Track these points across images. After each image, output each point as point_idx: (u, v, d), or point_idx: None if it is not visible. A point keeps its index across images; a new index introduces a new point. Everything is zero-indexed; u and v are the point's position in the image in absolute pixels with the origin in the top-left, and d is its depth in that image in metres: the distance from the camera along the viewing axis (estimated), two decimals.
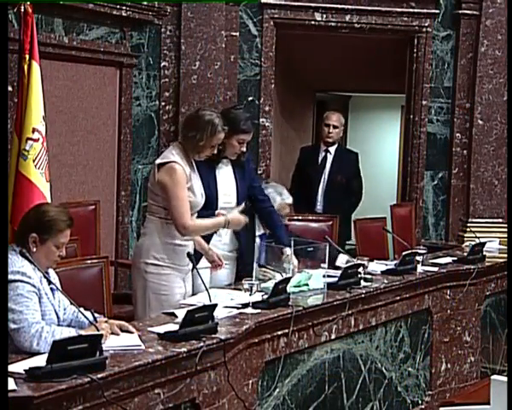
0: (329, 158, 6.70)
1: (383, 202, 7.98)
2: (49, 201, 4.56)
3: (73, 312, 3.41)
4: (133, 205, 6.51)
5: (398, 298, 4.76)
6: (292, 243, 4.32)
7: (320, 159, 6.71)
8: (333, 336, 4.27)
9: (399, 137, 10.60)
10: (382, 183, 11.10)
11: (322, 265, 4.31)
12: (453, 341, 5.28)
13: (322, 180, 6.66)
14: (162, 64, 6.53)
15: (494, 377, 3.85)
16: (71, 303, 3.32)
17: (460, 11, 7.18)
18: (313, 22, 7.03)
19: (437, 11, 7.21)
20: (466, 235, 7.02)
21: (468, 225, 7.04)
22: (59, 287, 3.36)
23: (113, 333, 3.25)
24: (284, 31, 7.05)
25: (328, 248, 4.30)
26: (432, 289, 5.08)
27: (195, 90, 6.49)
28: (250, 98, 6.90)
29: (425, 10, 7.18)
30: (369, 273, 4.70)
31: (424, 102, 7.28)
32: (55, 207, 3.46)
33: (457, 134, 7.30)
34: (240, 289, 4.08)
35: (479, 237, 5.98)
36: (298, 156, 6.99)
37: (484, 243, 5.71)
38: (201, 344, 3.25)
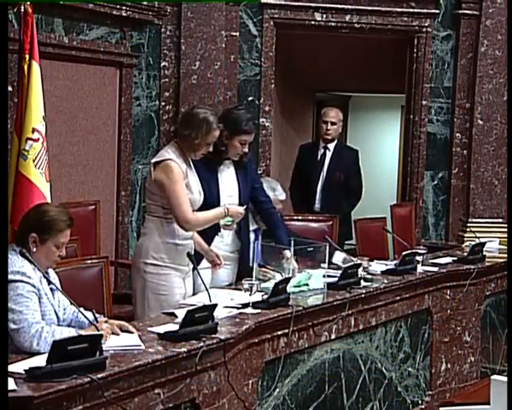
0: (328, 155, 6.60)
1: (383, 202, 7.98)
2: (49, 201, 4.56)
3: (73, 312, 3.41)
4: (133, 205, 6.51)
5: (398, 298, 4.76)
6: (292, 243, 4.32)
7: (319, 156, 6.62)
8: (333, 336, 4.27)
9: (399, 137, 10.60)
10: (382, 183, 11.10)
11: (322, 265, 4.31)
12: (453, 341, 5.28)
13: (320, 178, 6.57)
14: (162, 64, 6.53)
15: (494, 377, 3.85)
16: (71, 303, 3.32)
17: (460, 11, 7.18)
18: (313, 22, 7.04)
19: (437, 11, 7.21)
20: (466, 235, 7.02)
21: (468, 225, 7.04)
22: (59, 287, 3.36)
23: (113, 333, 3.25)
24: (284, 31, 7.05)
25: (328, 248, 4.30)
26: (432, 289, 5.08)
27: (195, 90, 6.49)
28: (250, 98, 6.90)
29: (425, 10, 7.19)
30: (369, 273, 4.70)
31: (424, 102, 7.28)
32: (55, 207, 3.46)
33: (457, 134, 7.30)
34: (240, 289, 4.08)
35: (479, 237, 5.98)
36: (297, 154, 6.91)
37: (484, 243, 5.71)
38: (201, 344, 3.25)
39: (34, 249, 3.29)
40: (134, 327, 3.39)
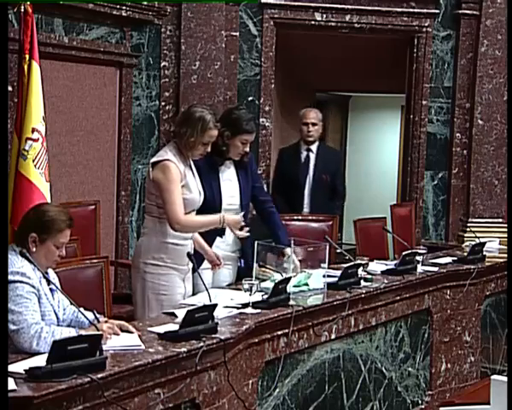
0: (312, 156, 6.47)
1: (383, 202, 7.98)
2: (49, 201, 4.56)
3: (73, 312, 3.41)
4: (133, 205, 6.51)
5: (398, 298, 4.76)
6: (292, 242, 4.32)
7: (303, 158, 6.49)
8: (333, 336, 4.27)
9: (399, 137, 10.61)
10: (382, 183, 11.12)
11: (322, 265, 4.32)
12: (453, 341, 5.28)
13: (307, 181, 6.45)
14: (162, 64, 6.53)
15: (494, 377, 3.85)
16: (71, 303, 3.32)
17: (460, 11, 7.18)
18: (313, 22, 7.03)
19: (437, 11, 7.21)
20: (466, 235, 7.02)
21: (468, 225, 7.04)
22: (58, 287, 3.35)
23: (113, 333, 3.24)
24: (284, 31, 7.05)
25: (328, 248, 4.30)
26: (432, 289, 5.08)
27: (195, 90, 6.49)
28: (250, 98, 6.90)
29: (425, 10, 7.19)
30: (369, 273, 4.70)
31: (424, 102, 7.28)
32: (54, 207, 3.46)
33: (457, 134, 7.30)
34: (240, 289, 4.08)
35: (479, 237, 5.99)
36: (277, 158, 6.75)
37: (484, 243, 5.71)
38: (201, 344, 3.25)
39: (34, 249, 3.29)
40: (134, 327, 3.39)
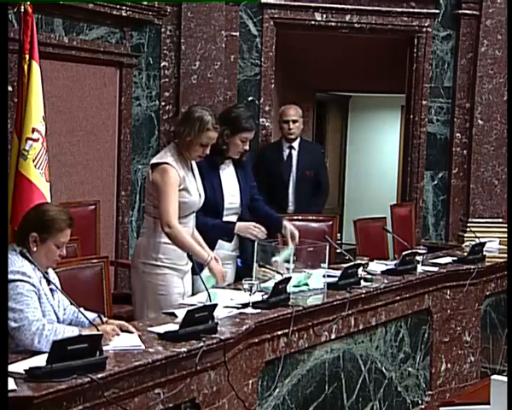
0: (295, 154, 6.45)
1: (383, 202, 7.99)
2: (49, 201, 4.56)
3: (73, 312, 3.41)
4: (133, 205, 6.51)
5: (398, 298, 4.77)
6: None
7: (285, 156, 6.46)
8: (333, 336, 4.27)
9: (399, 137, 10.61)
10: (382, 183, 11.12)
11: (322, 265, 4.32)
12: (453, 341, 5.28)
13: (291, 178, 6.42)
14: (162, 64, 6.53)
15: (494, 377, 3.85)
16: (71, 303, 3.32)
17: (460, 11, 7.18)
18: (313, 22, 7.03)
19: (437, 11, 7.21)
20: (466, 235, 7.02)
21: (468, 225, 7.04)
22: (58, 287, 3.36)
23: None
24: (284, 31, 7.04)
25: (328, 248, 4.30)
26: (432, 289, 5.08)
27: (195, 90, 6.49)
28: (250, 98, 6.90)
29: (425, 10, 7.18)
30: (369, 273, 4.70)
31: (424, 102, 7.28)
32: (55, 207, 3.47)
33: (457, 134, 7.30)
34: (240, 289, 4.08)
35: (479, 237, 5.98)
36: (257, 156, 6.57)
37: (484, 243, 5.71)
38: (201, 344, 3.25)
39: (34, 249, 3.29)
40: (134, 327, 3.39)
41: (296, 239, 4.54)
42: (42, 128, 4.61)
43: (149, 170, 4.17)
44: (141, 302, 4.20)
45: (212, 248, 4.42)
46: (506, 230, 6.83)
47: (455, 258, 5.56)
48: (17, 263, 3.21)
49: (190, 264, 4.19)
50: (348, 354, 4.43)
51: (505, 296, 5.61)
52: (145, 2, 6.26)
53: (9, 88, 5.04)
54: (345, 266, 4.58)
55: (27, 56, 4.59)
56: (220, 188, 4.56)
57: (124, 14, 6.10)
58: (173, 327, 3.38)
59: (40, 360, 2.84)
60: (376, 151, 11.64)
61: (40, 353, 3.01)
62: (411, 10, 7.16)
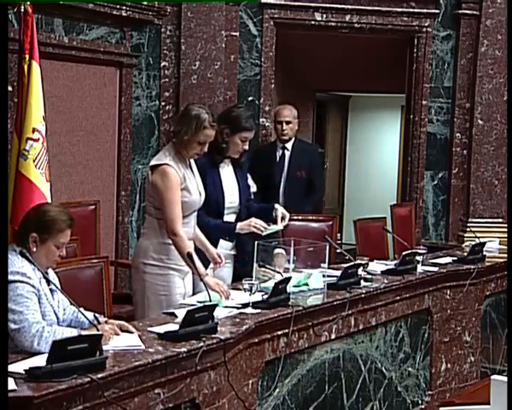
0: (287, 155, 6.41)
1: (383, 202, 7.99)
2: (49, 201, 4.56)
3: (73, 312, 3.41)
4: (133, 205, 6.51)
5: (398, 298, 4.77)
6: (292, 243, 4.32)
7: (278, 157, 6.42)
8: (333, 336, 4.27)
9: (399, 137, 10.61)
10: (382, 183, 11.12)
11: (322, 265, 4.32)
12: (453, 341, 5.28)
13: (282, 179, 6.37)
14: (162, 64, 6.53)
15: (494, 377, 3.85)
16: (71, 303, 3.32)
17: (460, 11, 7.18)
18: (313, 22, 7.03)
19: (437, 11, 7.21)
20: (466, 235, 7.02)
21: (468, 225, 7.04)
22: (58, 287, 3.35)
23: (114, 333, 3.24)
24: (284, 31, 7.05)
25: (328, 248, 4.30)
26: (432, 289, 5.08)
27: (195, 90, 6.49)
28: (250, 98, 6.90)
29: (425, 10, 7.18)
30: (369, 273, 4.70)
31: (424, 102, 7.28)
32: (55, 207, 3.46)
33: (457, 134, 7.30)
34: (240, 289, 4.08)
35: (479, 237, 5.98)
36: (251, 156, 6.46)
37: (484, 243, 5.71)
38: (201, 344, 3.25)
39: (34, 249, 3.29)
40: (134, 327, 3.39)
41: (286, 220, 4.54)
42: (42, 128, 4.61)
43: (149, 171, 4.18)
44: (141, 303, 4.20)
45: (214, 247, 4.43)
46: (506, 230, 6.83)
47: (455, 258, 5.56)
48: (17, 264, 3.21)
49: None
50: (348, 354, 4.43)
51: (505, 296, 5.61)
52: (145, 2, 6.26)
53: (9, 88, 5.05)
54: (345, 266, 4.58)
55: (27, 56, 4.59)
56: (221, 186, 4.57)
57: (124, 14, 6.10)
58: (173, 327, 3.38)
59: (40, 360, 2.84)
60: (376, 151, 11.64)
61: (40, 353, 3.02)
62: (411, 10, 7.16)
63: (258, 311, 3.81)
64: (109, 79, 6.26)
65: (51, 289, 3.35)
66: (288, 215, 4.58)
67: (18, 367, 2.83)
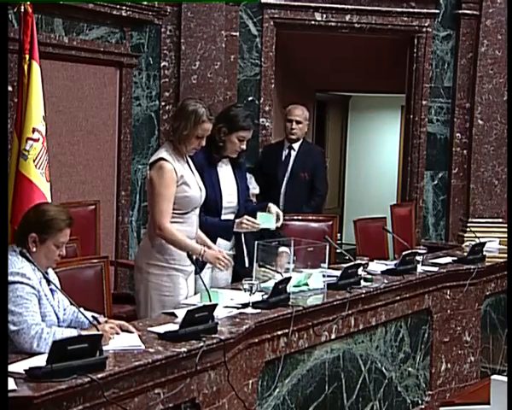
0: (293, 155, 6.37)
1: (383, 202, 7.99)
2: (49, 201, 4.56)
3: (73, 312, 3.41)
4: (133, 205, 6.51)
5: (398, 298, 4.76)
6: (292, 243, 4.32)
7: (284, 156, 6.38)
8: (333, 336, 4.27)
9: (399, 137, 10.61)
10: (382, 183, 11.13)
11: (322, 265, 4.31)
12: (453, 341, 5.28)
13: (284, 179, 6.33)
14: (162, 64, 6.53)
15: (494, 377, 3.85)
16: (71, 303, 3.32)
17: (460, 11, 7.18)
18: (313, 22, 7.04)
19: (437, 11, 7.21)
20: (466, 235, 7.02)
21: (468, 225, 7.04)
22: (58, 287, 3.35)
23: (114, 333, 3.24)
24: (284, 31, 7.05)
25: (328, 248, 4.30)
26: (432, 289, 5.08)
27: (195, 90, 6.49)
28: (250, 98, 6.90)
29: (425, 10, 7.19)
30: (369, 273, 4.70)
31: (424, 102, 7.28)
32: (54, 207, 3.46)
33: (457, 134, 7.30)
34: (240, 289, 4.08)
35: (479, 237, 5.98)
36: (260, 155, 6.69)
37: (484, 243, 5.71)
38: (201, 344, 3.25)
39: (34, 249, 3.28)
40: (134, 327, 3.39)
41: (281, 220, 4.54)
42: (42, 128, 4.61)
43: (148, 170, 4.20)
44: (144, 303, 4.20)
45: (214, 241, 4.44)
46: (506, 230, 6.84)
47: (455, 258, 5.56)
48: (17, 264, 3.21)
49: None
50: (348, 354, 4.43)
51: (505, 296, 5.61)
52: (145, 2, 6.26)
53: (9, 88, 5.05)
54: (345, 266, 4.58)
55: (27, 56, 4.58)
56: (218, 185, 4.56)
57: (124, 14, 6.10)
58: (173, 327, 3.38)
59: (40, 360, 2.84)
60: (376, 151, 11.65)
61: (40, 353, 3.01)
62: (411, 10, 7.16)
63: (258, 311, 3.81)
64: (109, 79, 6.26)
65: (51, 290, 3.35)
66: (281, 214, 4.57)
67: (18, 367, 2.83)
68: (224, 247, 4.56)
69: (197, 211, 4.27)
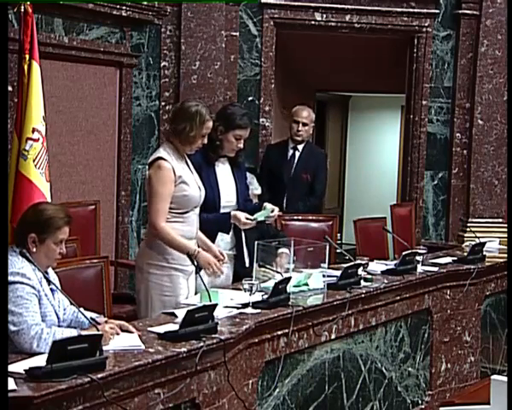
0: (297, 156, 6.40)
1: (383, 202, 7.99)
2: (49, 201, 4.56)
3: (73, 312, 3.41)
4: (133, 205, 6.51)
5: (398, 298, 4.76)
6: (292, 243, 4.32)
7: (289, 156, 6.40)
8: (333, 336, 4.27)
9: (399, 137, 10.61)
10: (382, 183, 11.13)
11: (322, 265, 4.31)
12: (453, 341, 5.28)
13: (288, 179, 6.37)
14: (162, 64, 6.53)
15: (494, 377, 3.86)
16: (71, 303, 3.32)
17: (460, 11, 7.18)
18: (313, 22, 7.04)
19: (437, 11, 7.21)
20: (466, 235, 7.02)
21: (468, 225, 7.04)
22: (58, 287, 3.35)
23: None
24: (284, 31, 7.05)
25: (328, 248, 4.30)
26: (432, 289, 5.08)
27: (195, 90, 6.49)
28: (250, 98, 6.90)
29: (425, 10, 7.19)
30: (369, 273, 4.70)
31: (424, 102, 7.28)
32: (52, 206, 3.46)
33: (457, 134, 7.31)
34: (240, 289, 4.08)
35: (479, 237, 5.98)
36: (264, 154, 6.71)
37: (484, 243, 5.71)
38: (201, 344, 3.25)
39: (34, 249, 3.28)
40: (134, 327, 3.39)
41: (276, 211, 4.56)
42: (42, 128, 4.61)
43: (147, 170, 4.20)
44: (145, 303, 4.19)
45: (212, 243, 4.43)
46: (506, 230, 6.84)
47: (455, 258, 5.56)
48: (17, 264, 3.21)
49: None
50: (348, 354, 4.43)
51: (505, 296, 5.61)
52: (145, 2, 6.26)
53: (9, 88, 5.05)
54: (345, 266, 4.58)
55: (27, 56, 4.58)
56: (216, 184, 4.56)
57: (124, 14, 6.10)
58: (173, 327, 3.38)
59: (40, 360, 2.84)
60: (376, 151, 11.65)
61: (40, 353, 3.01)
62: (411, 10, 7.16)
63: (258, 311, 3.81)
64: (109, 79, 6.26)
65: (52, 289, 3.34)
66: (276, 209, 4.57)
67: (18, 367, 2.83)
68: (223, 247, 4.57)
69: (197, 210, 4.27)
